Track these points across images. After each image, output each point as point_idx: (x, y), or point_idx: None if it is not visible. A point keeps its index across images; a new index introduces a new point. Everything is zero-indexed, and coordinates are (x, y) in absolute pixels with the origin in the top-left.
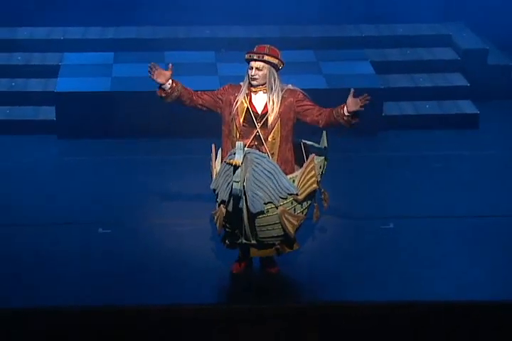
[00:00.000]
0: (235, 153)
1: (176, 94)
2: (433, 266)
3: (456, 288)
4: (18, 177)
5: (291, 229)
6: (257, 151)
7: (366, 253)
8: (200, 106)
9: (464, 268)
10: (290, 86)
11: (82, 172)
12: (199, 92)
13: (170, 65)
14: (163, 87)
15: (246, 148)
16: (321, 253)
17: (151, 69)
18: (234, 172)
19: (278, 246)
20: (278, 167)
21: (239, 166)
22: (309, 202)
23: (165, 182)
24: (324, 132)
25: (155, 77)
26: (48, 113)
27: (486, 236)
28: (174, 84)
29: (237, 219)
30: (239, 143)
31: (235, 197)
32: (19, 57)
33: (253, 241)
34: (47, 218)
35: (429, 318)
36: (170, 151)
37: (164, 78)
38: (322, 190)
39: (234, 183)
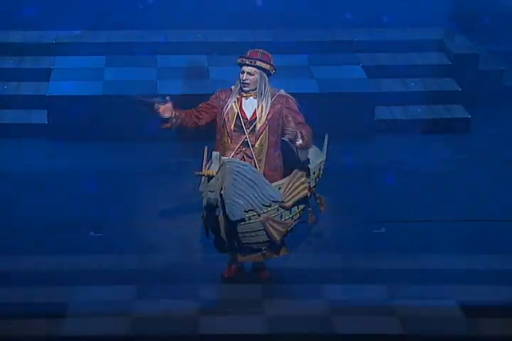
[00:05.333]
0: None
1: (177, 121)
2: (424, 270)
3: (448, 291)
4: (8, 180)
5: (276, 236)
6: (239, 160)
7: (358, 257)
8: (204, 125)
9: (457, 271)
10: (282, 91)
11: (74, 176)
12: (195, 111)
13: (167, 97)
14: (169, 120)
15: (227, 158)
16: (312, 257)
17: (155, 107)
18: (208, 182)
19: (265, 252)
20: (261, 175)
21: (213, 176)
22: (302, 207)
23: (158, 185)
24: (326, 136)
25: (162, 114)
26: (39, 116)
27: (478, 240)
28: (175, 113)
29: (215, 226)
30: (215, 154)
31: (210, 206)
32: (11, 61)
33: (236, 247)
34: (36, 221)
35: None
36: (162, 155)
37: (169, 111)
38: (317, 195)
39: (209, 193)
